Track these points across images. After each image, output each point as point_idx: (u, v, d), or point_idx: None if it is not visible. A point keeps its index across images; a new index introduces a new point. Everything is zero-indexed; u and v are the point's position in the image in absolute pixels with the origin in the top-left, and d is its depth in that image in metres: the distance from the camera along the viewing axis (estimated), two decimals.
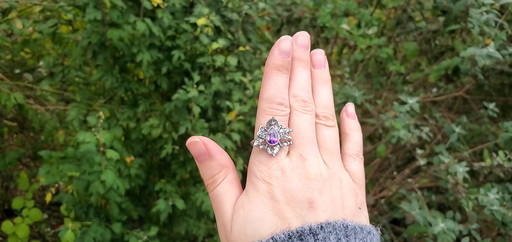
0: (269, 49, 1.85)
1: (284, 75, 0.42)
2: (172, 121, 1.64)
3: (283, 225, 0.37)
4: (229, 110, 1.62)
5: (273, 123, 0.40)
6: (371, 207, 1.95)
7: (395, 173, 2.08)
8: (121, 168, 1.54)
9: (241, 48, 1.64)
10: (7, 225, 1.72)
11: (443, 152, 1.57)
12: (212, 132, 1.64)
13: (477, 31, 1.45)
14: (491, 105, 1.64)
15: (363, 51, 2.15)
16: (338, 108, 1.89)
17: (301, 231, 0.36)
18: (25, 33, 1.74)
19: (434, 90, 2.21)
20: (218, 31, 1.65)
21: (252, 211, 0.39)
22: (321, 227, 0.36)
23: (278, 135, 0.40)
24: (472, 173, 1.77)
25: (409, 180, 1.79)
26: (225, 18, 1.68)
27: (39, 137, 2.21)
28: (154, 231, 1.51)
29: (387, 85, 2.16)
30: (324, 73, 0.46)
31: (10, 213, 2.20)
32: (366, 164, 2.17)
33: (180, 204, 1.55)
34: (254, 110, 1.59)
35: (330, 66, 2.41)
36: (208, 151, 0.43)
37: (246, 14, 1.67)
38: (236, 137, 1.51)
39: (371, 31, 2.10)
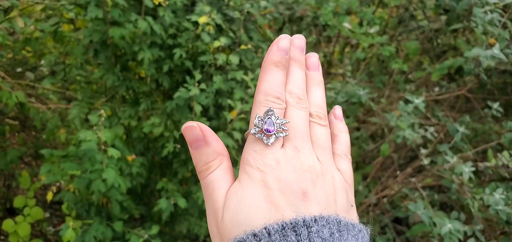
0: None
1: (282, 72, 0.44)
2: (173, 119, 1.63)
3: (277, 213, 0.37)
4: (230, 108, 1.62)
5: (270, 113, 0.41)
6: (374, 205, 1.95)
7: (397, 172, 2.07)
8: (122, 166, 1.53)
9: (242, 47, 1.64)
10: (8, 224, 1.72)
11: (447, 152, 1.56)
12: (213, 130, 1.63)
13: (480, 30, 1.44)
14: (495, 105, 1.64)
15: (365, 49, 2.15)
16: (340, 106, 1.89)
17: (295, 222, 0.36)
18: (26, 31, 1.74)
19: (436, 89, 2.20)
20: (219, 30, 1.65)
21: (246, 198, 0.39)
22: (315, 219, 0.36)
23: (275, 125, 0.41)
24: (475, 172, 1.77)
25: (412, 179, 1.78)
26: (227, 17, 1.68)
27: (40, 135, 2.21)
28: (155, 229, 1.50)
29: (389, 83, 2.15)
30: (317, 75, 0.47)
31: (12, 212, 2.20)
32: (369, 163, 2.16)
33: (182, 203, 1.55)
34: None
35: (332, 65, 2.41)
36: (205, 137, 0.43)
37: (247, 12, 1.67)
38: (237, 135, 1.51)
39: (373, 29, 2.09)
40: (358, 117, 2.10)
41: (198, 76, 1.51)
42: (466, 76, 1.57)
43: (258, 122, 0.41)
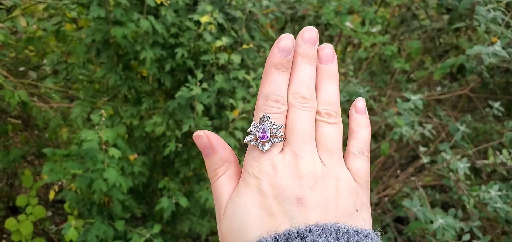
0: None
1: (283, 74, 0.42)
2: (175, 119, 1.64)
3: (270, 221, 0.37)
4: (232, 108, 1.62)
5: (266, 119, 0.40)
6: (375, 205, 1.95)
7: (398, 171, 2.07)
8: (124, 165, 1.54)
9: (244, 46, 1.64)
10: (11, 222, 1.73)
11: (447, 150, 1.56)
12: (215, 130, 1.64)
13: (483, 29, 1.44)
14: (496, 104, 1.63)
15: (367, 49, 2.15)
16: (342, 106, 1.89)
17: (289, 234, 0.35)
18: (29, 30, 1.75)
19: (438, 88, 2.20)
20: (221, 29, 1.65)
21: (240, 205, 0.39)
22: (310, 229, 0.35)
23: (270, 132, 0.40)
24: (477, 172, 1.76)
25: (413, 178, 1.78)
26: (229, 16, 1.68)
27: (43, 134, 2.22)
28: (157, 229, 1.51)
29: (391, 83, 2.15)
30: (331, 68, 0.44)
31: (15, 210, 2.21)
32: (370, 162, 2.16)
33: (184, 202, 1.55)
34: None
35: None
36: (212, 145, 0.43)
37: (249, 11, 1.67)
38: (239, 135, 1.51)
39: (375, 29, 2.09)
40: None
41: (200, 75, 1.51)
42: (468, 74, 1.56)
43: (253, 129, 0.41)
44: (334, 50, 0.45)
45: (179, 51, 1.55)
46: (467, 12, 1.75)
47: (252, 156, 0.41)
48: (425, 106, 1.77)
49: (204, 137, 0.43)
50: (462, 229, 1.39)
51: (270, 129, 0.40)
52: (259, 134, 0.40)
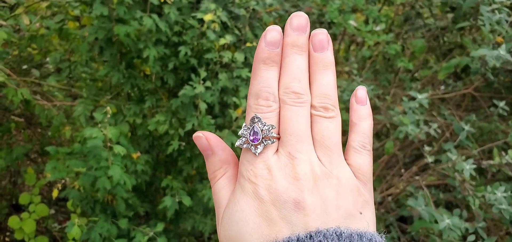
0: None
1: (272, 68, 0.39)
2: (178, 117, 1.63)
3: (268, 228, 0.35)
4: (236, 106, 1.61)
5: (256, 120, 0.38)
6: (378, 204, 1.94)
7: (402, 170, 2.06)
8: (127, 164, 1.54)
9: (248, 44, 1.63)
10: (13, 220, 1.73)
11: (451, 150, 1.55)
12: (218, 128, 1.63)
13: (487, 29, 1.43)
14: (501, 103, 1.62)
15: (371, 47, 2.14)
16: (346, 105, 1.88)
17: None
18: (32, 29, 1.74)
19: (442, 87, 2.19)
20: (225, 27, 1.65)
21: (236, 212, 0.37)
22: (310, 236, 0.34)
23: (261, 133, 0.38)
24: (481, 171, 1.76)
25: (417, 177, 1.77)
26: (232, 14, 1.67)
27: (46, 132, 2.22)
28: (160, 227, 1.51)
29: (395, 82, 2.14)
30: (326, 55, 0.40)
31: (18, 208, 2.21)
32: (374, 161, 2.15)
33: (187, 201, 1.55)
34: None
35: (338, 63, 2.40)
36: (211, 147, 0.42)
37: (253, 9, 1.66)
38: None
39: (379, 27, 2.08)
40: None
41: (203, 73, 1.51)
42: (473, 75, 1.56)
43: (244, 131, 0.39)
44: (328, 36, 0.41)
45: (183, 50, 1.55)
46: (471, 11, 1.74)
47: (246, 159, 0.39)
48: (429, 105, 1.76)
49: (203, 138, 0.42)
50: (466, 230, 1.39)
51: (262, 130, 0.38)
52: (250, 136, 0.38)
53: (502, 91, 1.92)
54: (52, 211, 2.39)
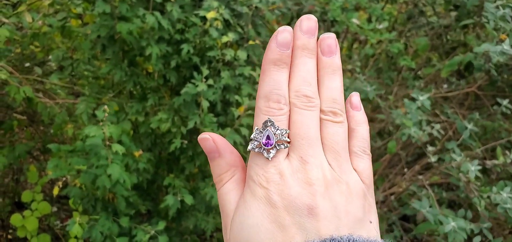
0: None
1: (283, 70, 0.39)
2: (181, 115, 1.63)
3: (281, 234, 0.35)
4: (238, 104, 1.61)
5: (269, 124, 0.38)
6: (381, 203, 1.94)
7: (405, 169, 2.05)
8: (129, 162, 1.53)
9: (250, 42, 1.63)
10: (16, 218, 1.73)
11: (454, 149, 1.54)
12: (221, 126, 1.63)
13: (492, 26, 1.42)
14: (505, 102, 1.62)
15: (374, 45, 2.13)
16: None
17: None
18: (34, 26, 1.74)
19: (445, 86, 2.18)
20: (227, 25, 1.64)
21: (248, 217, 0.36)
22: None
23: (274, 137, 0.37)
24: (484, 170, 1.75)
25: (420, 176, 1.77)
26: (235, 12, 1.67)
27: (48, 130, 2.22)
28: (161, 225, 1.50)
29: (398, 80, 2.13)
30: (334, 60, 0.40)
31: (20, 206, 2.21)
32: (376, 160, 2.15)
33: (189, 200, 1.55)
34: None
35: (341, 61, 2.39)
36: (218, 149, 0.41)
37: (256, 7, 1.66)
38: (245, 131, 1.50)
39: (382, 25, 2.08)
40: (366, 114, 2.08)
41: (205, 71, 1.50)
42: (476, 72, 1.55)
43: (256, 135, 0.38)
44: (336, 40, 0.41)
45: (185, 47, 1.55)
46: (475, 9, 1.73)
47: (256, 163, 0.38)
48: (432, 103, 1.76)
49: (210, 140, 0.41)
50: (472, 230, 1.38)
51: (275, 134, 0.37)
52: (263, 140, 0.37)
53: (506, 89, 1.91)
54: (54, 209, 2.39)
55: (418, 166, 1.83)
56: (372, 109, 2.16)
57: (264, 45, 1.78)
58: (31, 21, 1.68)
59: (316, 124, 0.38)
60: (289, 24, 2.23)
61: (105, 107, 1.39)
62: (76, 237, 1.53)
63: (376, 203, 1.97)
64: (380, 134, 2.22)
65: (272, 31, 1.88)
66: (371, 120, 2.14)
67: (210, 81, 1.51)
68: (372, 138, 2.07)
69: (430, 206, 1.44)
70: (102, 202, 1.52)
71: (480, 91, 1.89)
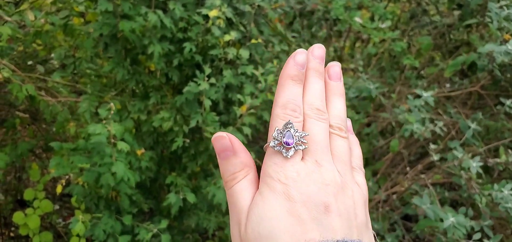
0: (281, 42, 1.84)
1: (298, 85, 0.44)
2: (183, 114, 1.63)
3: (299, 227, 0.37)
4: (240, 103, 1.61)
5: (290, 126, 0.41)
6: (383, 202, 1.93)
7: (407, 168, 2.05)
8: (131, 160, 1.53)
9: (253, 41, 1.62)
10: (18, 216, 1.73)
11: (457, 148, 1.54)
12: (223, 125, 1.63)
13: (495, 26, 1.42)
14: (508, 102, 1.61)
15: (377, 44, 2.13)
16: (351, 102, 1.87)
17: None
18: (37, 24, 1.74)
19: (448, 85, 2.17)
20: (230, 23, 1.64)
21: (268, 210, 0.39)
22: None
23: (294, 138, 0.40)
24: (487, 169, 1.74)
25: (422, 175, 1.76)
26: (237, 10, 1.66)
27: (50, 128, 2.22)
28: (164, 224, 1.50)
29: (400, 79, 2.13)
30: (339, 85, 0.47)
31: (23, 204, 2.21)
32: (378, 159, 2.14)
33: (191, 198, 1.55)
34: (265, 104, 1.57)
35: (343, 60, 2.39)
36: (233, 147, 0.44)
37: (258, 6, 1.65)
38: (247, 130, 1.50)
39: (385, 24, 2.07)
40: (368, 113, 2.08)
41: (208, 70, 1.50)
42: (480, 72, 1.55)
43: (277, 135, 0.41)
44: (341, 69, 0.48)
45: (187, 46, 1.54)
46: (479, 9, 1.72)
47: (274, 162, 0.41)
48: (435, 102, 1.75)
49: (227, 138, 0.44)
50: (472, 228, 1.38)
51: (294, 136, 0.40)
52: (284, 139, 0.40)
53: (509, 89, 1.90)
54: (57, 207, 2.39)
55: (420, 165, 1.83)
56: (374, 107, 2.15)
57: (266, 43, 1.78)
58: (34, 19, 1.68)
59: (327, 135, 0.43)
60: (291, 23, 2.23)
61: (111, 105, 1.39)
62: (78, 235, 1.53)
63: (378, 202, 1.98)
64: (383, 133, 2.22)
65: (274, 29, 1.88)
66: (374, 118, 2.14)
67: (212, 80, 1.51)
68: (374, 137, 2.07)
69: (431, 203, 1.44)
70: (105, 201, 1.52)
71: (483, 90, 1.88)
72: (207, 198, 1.55)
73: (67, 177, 1.49)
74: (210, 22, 1.55)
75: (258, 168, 0.43)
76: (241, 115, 1.54)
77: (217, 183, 1.56)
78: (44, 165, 2.15)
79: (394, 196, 1.91)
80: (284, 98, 0.43)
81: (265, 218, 0.38)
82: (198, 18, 1.57)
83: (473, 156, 1.51)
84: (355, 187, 0.42)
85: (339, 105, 0.45)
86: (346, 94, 1.79)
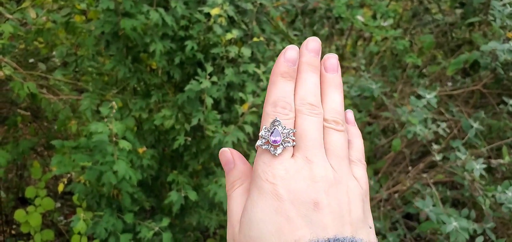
0: (283, 40, 1.84)
1: (289, 82, 0.43)
2: (184, 112, 1.63)
3: (288, 225, 0.37)
4: (242, 101, 1.61)
5: (276, 123, 0.40)
6: (385, 201, 1.93)
7: (409, 167, 2.05)
8: (133, 158, 1.53)
9: (255, 39, 1.62)
10: (20, 214, 1.73)
11: (459, 148, 1.54)
12: (224, 123, 1.63)
13: (498, 24, 1.41)
14: (511, 101, 1.60)
15: (379, 43, 2.12)
16: (353, 101, 1.87)
17: None
18: (38, 22, 1.74)
19: (450, 84, 2.17)
20: (231, 22, 1.64)
21: (256, 213, 0.38)
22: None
23: (281, 136, 0.40)
24: (489, 169, 1.74)
25: (424, 175, 1.76)
26: (239, 8, 1.66)
27: (52, 126, 2.22)
28: (165, 222, 1.50)
29: (402, 78, 2.12)
30: (336, 77, 0.45)
31: (24, 202, 2.22)
32: (380, 158, 2.14)
33: (193, 196, 1.55)
34: None
35: (345, 58, 2.38)
36: (234, 160, 0.45)
37: (260, 4, 1.65)
38: (249, 129, 1.50)
39: (387, 23, 2.07)
40: (370, 112, 2.08)
41: (209, 68, 1.50)
42: (482, 70, 1.54)
43: (265, 133, 0.41)
44: (338, 61, 0.46)
45: (189, 44, 1.54)
46: (481, 7, 1.72)
47: (263, 161, 0.40)
48: (437, 101, 1.75)
49: (229, 152, 0.45)
50: (475, 231, 1.38)
51: (282, 133, 0.40)
52: (271, 138, 0.40)
53: (511, 88, 1.89)
54: (58, 205, 2.40)
55: (422, 164, 1.82)
56: (376, 106, 2.15)
57: (268, 42, 1.78)
58: (35, 17, 1.68)
59: (320, 129, 0.41)
60: (293, 21, 2.22)
61: (113, 103, 1.39)
62: (80, 233, 1.53)
63: (380, 201, 1.97)
64: (384, 131, 2.21)
65: (276, 28, 1.87)
66: (375, 117, 2.14)
67: (214, 78, 1.51)
68: (376, 136, 2.07)
69: (433, 205, 1.43)
70: (106, 199, 1.52)
71: (486, 89, 1.88)
72: (209, 196, 1.55)
73: (68, 175, 1.49)
74: (212, 20, 1.55)
75: None
76: (242, 114, 1.53)
77: (218, 181, 1.56)
78: (46, 163, 2.15)
79: (396, 195, 1.91)
80: (274, 96, 0.42)
81: (254, 221, 0.38)
82: (200, 16, 1.57)
83: (476, 158, 1.50)
84: (352, 182, 0.41)
85: (335, 98, 0.44)
86: (348, 92, 1.78)
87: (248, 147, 1.59)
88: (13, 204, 2.26)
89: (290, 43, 1.81)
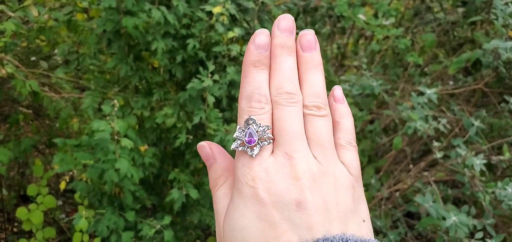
0: None
1: (262, 71, 0.39)
2: (186, 110, 1.63)
3: (272, 231, 0.34)
4: None
5: (251, 122, 0.37)
6: (386, 200, 1.93)
7: (410, 166, 2.05)
8: (135, 156, 1.54)
9: None
10: (21, 211, 1.73)
11: (461, 146, 1.54)
12: (226, 122, 1.63)
13: (501, 23, 1.41)
14: None
15: (380, 41, 2.12)
16: (354, 99, 1.87)
17: None
18: (40, 20, 1.74)
19: (451, 82, 2.17)
20: (233, 20, 1.64)
21: (238, 219, 0.36)
22: None
23: (257, 135, 0.37)
24: (490, 167, 1.74)
25: (425, 173, 1.76)
26: (241, 7, 1.66)
27: (54, 124, 2.22)
28: (167, 220, 1.51)
29: (404, 76, 2.12)
30: (314, 56, 0.40)
31: (26, 199, 2.22)
32: (381, 156, 2.14)
33: (194, 194, 1.55)
34: None
35: (346, 57, 2.38)
36: (213, 155, 0.42)
37: (262, 2, 1.65)
38: None
39: (389, 21, 2.07)
40: (372, 110, 2.08)
41: (211, 67, 1.50)
42: (484, 69, 1.54)
43: (239, 134, 0.38)
44: (315, 36, 0.41)
45: (191, 42, 1.54)
46: (483, 6, 1.72)
47: (242, 163, 0.37)
48: (438, 100, 1.75)
49: (207, 147, 0.42)
50: (474, 227, 1.37)
51: (257, 132, 0.37)
52: (246, 138, 0.37)
53: None
54: (60, 203, 2.40)
55: (423, 163, 1.83)
56: (377, 105, 2.15)
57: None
58: (37, 15, 1.68)
59: (300, 119, 0.38)
60: (295, 20, 2.22)
61: (115, 102, 1.39)
62: (81, 231, 1.53)
63: (381, 199, 1.98)
64: (386, 130, 2.22)
65: None
66: (376, 116, 2.14)
67: (216, 77, 1.51)
68: (377, 134, 2.07)
69: (434, 201, 1.43)
70: (108, 197, 1.52)
71: (487, 88, 1.88)
72: (210, 194, 1.56)
73: (70, 173, 1.50)
74: (214, 18, 1.55)
75: None
76: None
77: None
78: (48, 161, 2.16)
79: (397, 194, 1.91)
80: (247, 89, 0.39)
81: (237, 229, 0.36)
82: (202, 14, 1.57)
83: (476, 154, 1.50)
84: (339, 170, 0.38)
85: (315, 80, 0.40)
86: (350, 91, 1.78)
87: None
88: (15, 202, 2.26)
89: None
